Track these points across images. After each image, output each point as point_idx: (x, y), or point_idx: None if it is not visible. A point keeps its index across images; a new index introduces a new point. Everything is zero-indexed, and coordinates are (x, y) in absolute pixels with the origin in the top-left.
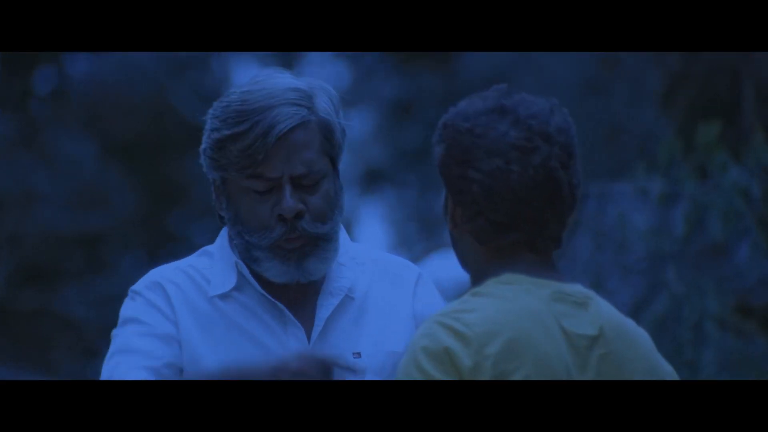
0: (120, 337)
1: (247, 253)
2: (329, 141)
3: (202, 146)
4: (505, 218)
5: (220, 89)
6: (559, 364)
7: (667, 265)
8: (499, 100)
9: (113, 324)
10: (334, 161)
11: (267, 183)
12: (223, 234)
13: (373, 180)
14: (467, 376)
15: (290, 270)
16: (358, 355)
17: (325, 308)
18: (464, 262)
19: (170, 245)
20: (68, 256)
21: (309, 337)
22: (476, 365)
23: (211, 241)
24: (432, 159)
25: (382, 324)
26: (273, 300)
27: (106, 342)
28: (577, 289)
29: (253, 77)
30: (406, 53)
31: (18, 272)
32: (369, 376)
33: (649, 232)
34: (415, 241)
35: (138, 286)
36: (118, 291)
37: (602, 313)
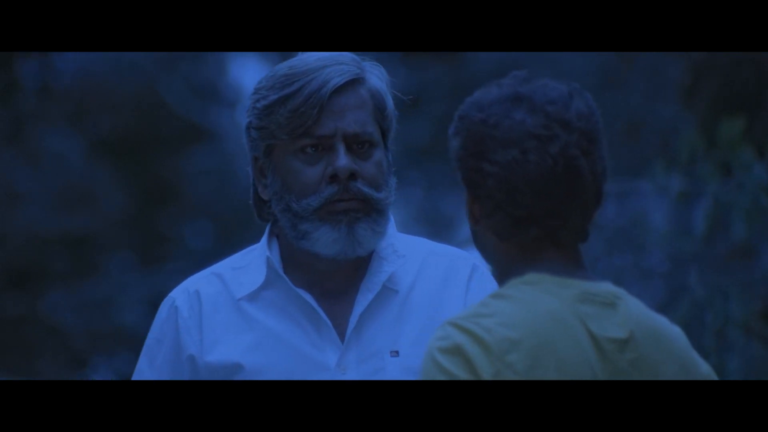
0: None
1: (293, 230)
2: (380, 110)
3: (246, 122)
4: (524, 212)
5: (215, 83)
6: (586, 371)
7: (688, 268)
8: (514, 87)
9: (102, 330)
10: (384, 135)
11: (318, 145)
12: (266, 231)
13: None
14: None
15: (341, 238)
16: (396, 354)
17: (360, 304)
18: (487, 260)
19: (161, 247)
20: (54, 259)
21: (342, 335)
22: (497, 373)
23: (203, 242)
24: (448, 153)
25: (427, 321)
26: (307, 297)
27: (95, 350)
28: (605, 288)
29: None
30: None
31: (0, 276)
32: (408, 376)
33: (669, 233)
34: None
35: (172, 294)
36: (107, 295)
37: (632, 313)
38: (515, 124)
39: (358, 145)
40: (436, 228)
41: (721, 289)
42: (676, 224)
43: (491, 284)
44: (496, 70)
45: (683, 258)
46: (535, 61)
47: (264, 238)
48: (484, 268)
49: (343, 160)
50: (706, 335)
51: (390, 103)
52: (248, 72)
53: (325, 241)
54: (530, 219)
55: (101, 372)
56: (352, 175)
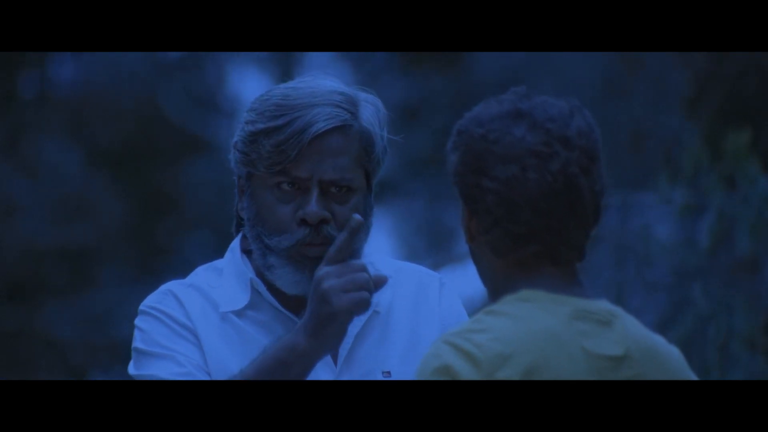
0: (145, 368)
1: (262, 258)
2: (367, 153)
3: (234, 139)
4: (523, 229)
5: (214, 92)
6: None
7: (692, 282)
8: (515, 103)
9: (99, 344)
10: (369, 177)
11: (294, 183)
12: (234, 247)
13: (378, 190)
14: None
15: (303, 281)
16: (388, 374)
17: (353, 325)
18: (483, 277)
19: (160, 259)
20: (51, 272)
21: (335, 356)
22: None
23: (203, 254)
24: (446, 168)
25: (409, 339)
26: (294, 318)
27: (93, 363)
28: (602, 305)
29: (300, 77)
30: (413, 54)
31: None
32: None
33: (673, 246)
34: (424, 255)
35: (149, 301)
36: (105, 309)
37: (628, 331)
38: (516, 140)
39: (335, 188)
40: (438, 240)
41: (725, 303)
42: (680, 237)
43: (457, 296)
44: (499, 81)
45: (687, 271)
46: (539, 71)
47: (236, 256)
48: (449, 283)
49: (313, 206)
50: (710, 350)
51: (380, 142)
52: (247, 83)
53: (287, 280)
54: (529, 236)
55: None
56: (323, 220)
